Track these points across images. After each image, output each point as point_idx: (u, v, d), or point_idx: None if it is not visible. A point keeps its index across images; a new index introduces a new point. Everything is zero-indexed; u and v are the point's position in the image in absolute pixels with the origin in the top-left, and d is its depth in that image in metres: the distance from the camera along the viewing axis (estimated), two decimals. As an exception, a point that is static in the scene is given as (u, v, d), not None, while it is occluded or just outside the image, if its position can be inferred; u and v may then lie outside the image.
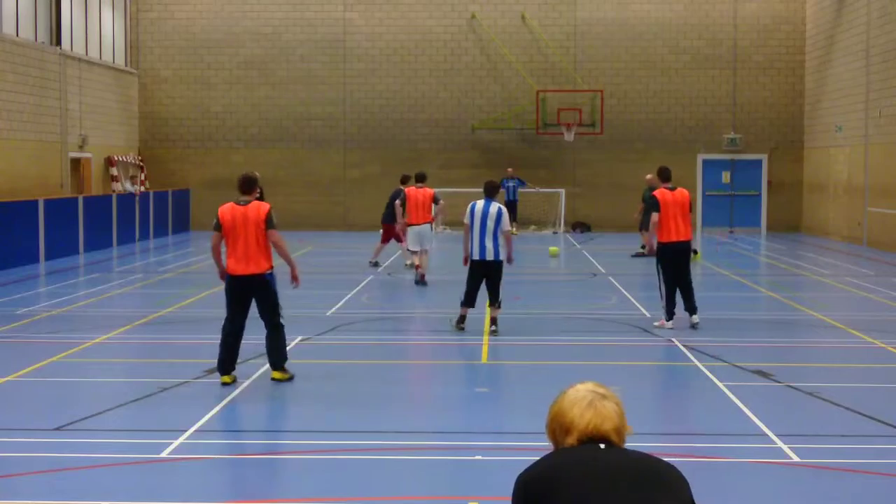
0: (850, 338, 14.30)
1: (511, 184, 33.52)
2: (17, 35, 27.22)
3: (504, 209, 14.61)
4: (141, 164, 34.66)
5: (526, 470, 3.47)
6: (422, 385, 11.89)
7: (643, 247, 25.99)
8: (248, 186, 11.19)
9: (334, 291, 18.64)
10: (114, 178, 32.34)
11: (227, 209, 11.12)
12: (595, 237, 33.03)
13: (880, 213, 28.43)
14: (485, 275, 14.43)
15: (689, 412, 10.48)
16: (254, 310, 11.30)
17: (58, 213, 25.47)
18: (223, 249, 11.28)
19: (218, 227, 11.11)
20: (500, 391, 11.29)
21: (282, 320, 11.28)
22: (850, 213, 30.90)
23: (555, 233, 33.92)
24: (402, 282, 20.89)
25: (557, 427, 3.52)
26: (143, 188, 32.79)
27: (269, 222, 11.01)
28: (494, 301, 14.56)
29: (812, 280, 21.60)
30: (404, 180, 22.07)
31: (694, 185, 35.29)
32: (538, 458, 3.50)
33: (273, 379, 11.19)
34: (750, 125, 35.40)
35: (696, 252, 25.91)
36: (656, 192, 15.29)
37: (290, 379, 11.23)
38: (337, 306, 16.96)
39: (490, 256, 14.41)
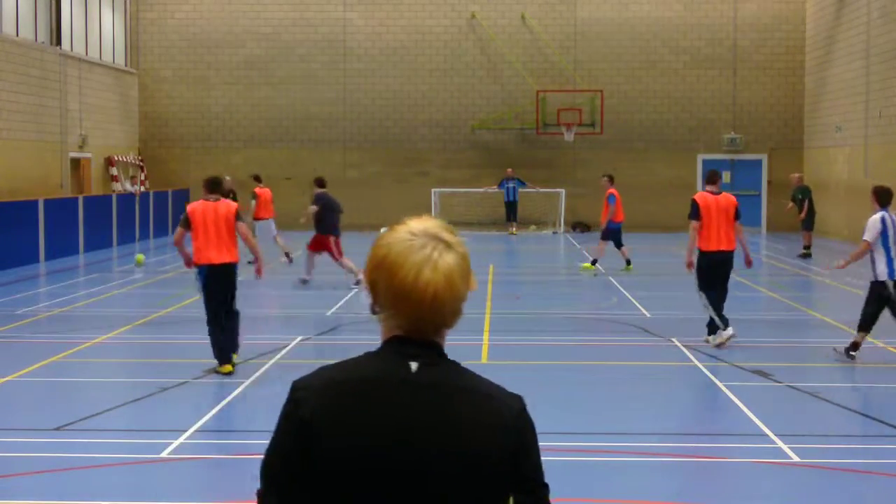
0: (850, 338, 14.28)
1: (511, 184, 33.60)
2: (17, 35, 27.22)
3: None
4: (141, 164, 34.66)
5: (305, 380, 2.47)
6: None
7: (806, 247, 25.84)
8: (214, 186, 11.99)
9: (334, 291, 18.64)
10: (114, 178, 32.35)
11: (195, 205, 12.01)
12: (596, 237, 32.96)
13: (880, 213, 28.39)
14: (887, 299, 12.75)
15: (689, 412, 10.47)
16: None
17: (58, 213, 25.46)
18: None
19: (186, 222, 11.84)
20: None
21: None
22: (850, 213, 30.89)
23: (554, 233, 33.90)
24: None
25: (383, 281, 2.42)
26: (143, 188, 32.79)
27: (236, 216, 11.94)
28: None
29: (812, 280, 21.59)
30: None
31: (694, 184, 35.32)
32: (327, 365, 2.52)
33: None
34: (750, 125, 35.39)
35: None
36: (697, 197, 14.04)
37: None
38: (337, 306, 16.95)
39: None
